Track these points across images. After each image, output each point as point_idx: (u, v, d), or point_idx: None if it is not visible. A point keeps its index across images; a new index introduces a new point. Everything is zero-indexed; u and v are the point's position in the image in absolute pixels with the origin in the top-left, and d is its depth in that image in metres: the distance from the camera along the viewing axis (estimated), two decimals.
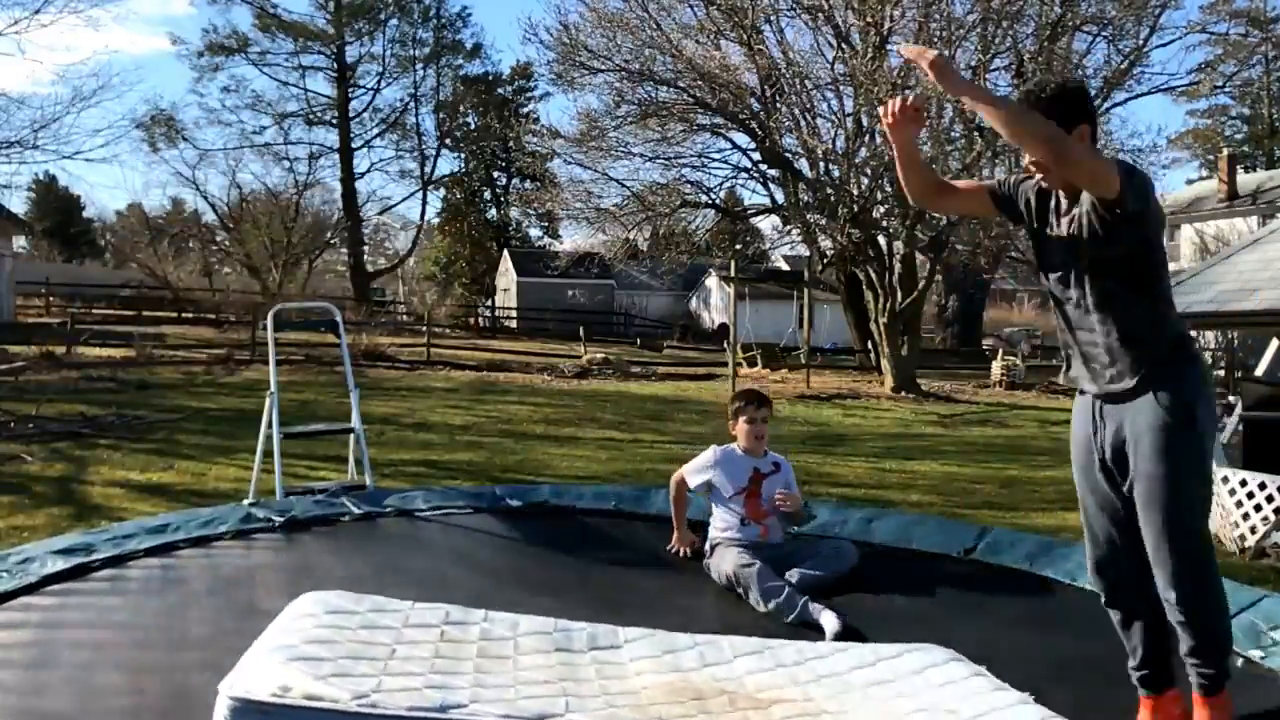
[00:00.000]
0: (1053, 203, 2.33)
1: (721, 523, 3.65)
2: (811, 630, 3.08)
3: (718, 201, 19.05)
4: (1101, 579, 2.43)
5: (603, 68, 16.36)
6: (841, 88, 16.44)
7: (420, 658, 2.31)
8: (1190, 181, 36.99)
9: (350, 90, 39.02)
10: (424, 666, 2.26)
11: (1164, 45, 33.09)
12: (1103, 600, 2.46)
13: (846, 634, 3.01)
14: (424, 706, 2.02)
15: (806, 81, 16.28)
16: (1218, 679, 2.28)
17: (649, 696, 2.26)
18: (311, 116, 38.58)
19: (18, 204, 35.04)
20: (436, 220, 43.29)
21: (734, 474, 3.73)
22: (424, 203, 42.27)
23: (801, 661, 2.55)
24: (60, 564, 3.36)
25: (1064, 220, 2.28)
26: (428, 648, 2.38)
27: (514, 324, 33.50)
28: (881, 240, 16.75)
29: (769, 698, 2.29)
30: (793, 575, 3.39)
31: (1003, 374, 18.44)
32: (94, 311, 25.03)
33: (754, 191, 43.21)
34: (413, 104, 40.16)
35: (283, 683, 2.06)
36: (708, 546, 3.66)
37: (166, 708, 2.37)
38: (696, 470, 3.77)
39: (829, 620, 3.10)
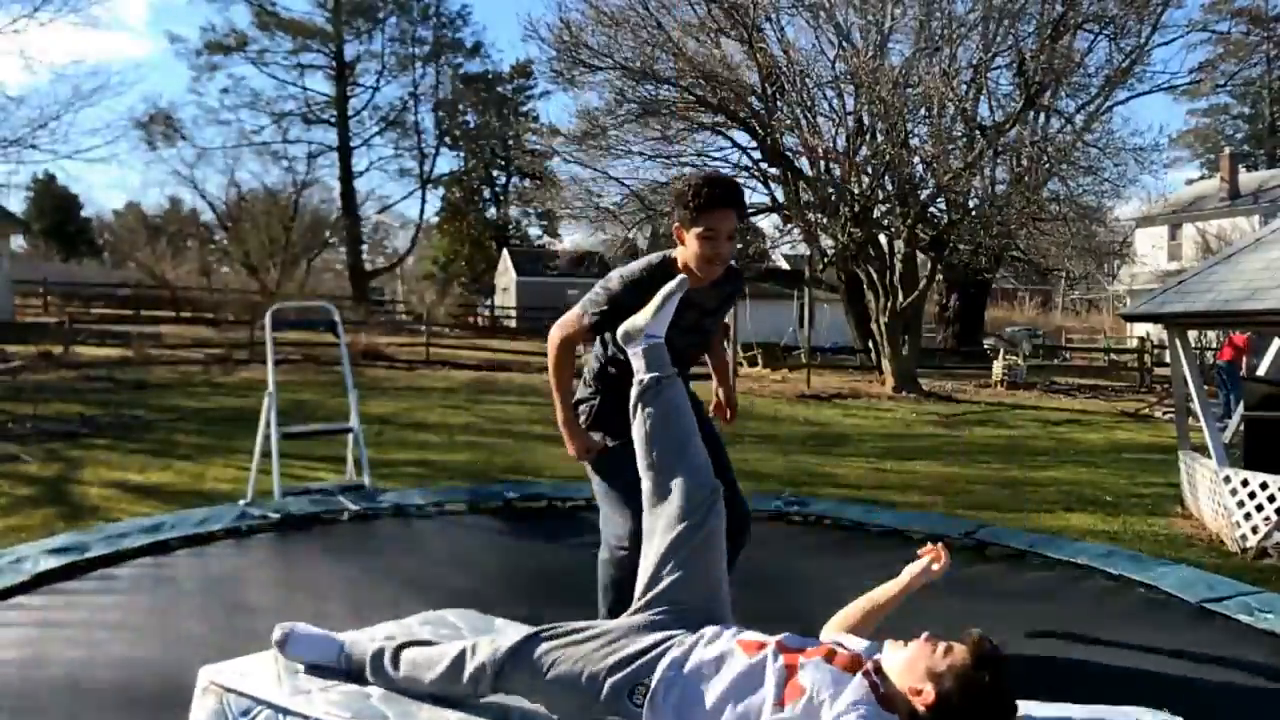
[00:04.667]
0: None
1: None
2: None
3: None
4: None
5: (603, 66, 16.32)
6: (843, 86, 16.42)
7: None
8: (1191, 181, 37.00)
9: (349, 89, 39.05)
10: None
11: (1165, 44, 33.12)
12: None
13: None
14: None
15: (807, 80, 16.25)
16: None
17: None
18: (310, 115, 38.63)
19: (16, 203, 35.10)
20: (436, 219, 43.33)
21: None
22: (423, 201, 42.58)
23: None
24: (54, 562, 3.35)
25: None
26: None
27: (513, 323, 33.46)
28: (882, 239, 16.72)
29: None
30: None
31: (1003, 374, 18.42)
32: (92, 311, 25.00)
33: (754, 190, 43.00)
34: (412, 102, 40.21)
35: (251, 673, 2.15)
36: None
37: (156, 708, 2.33)
38: None
39: None
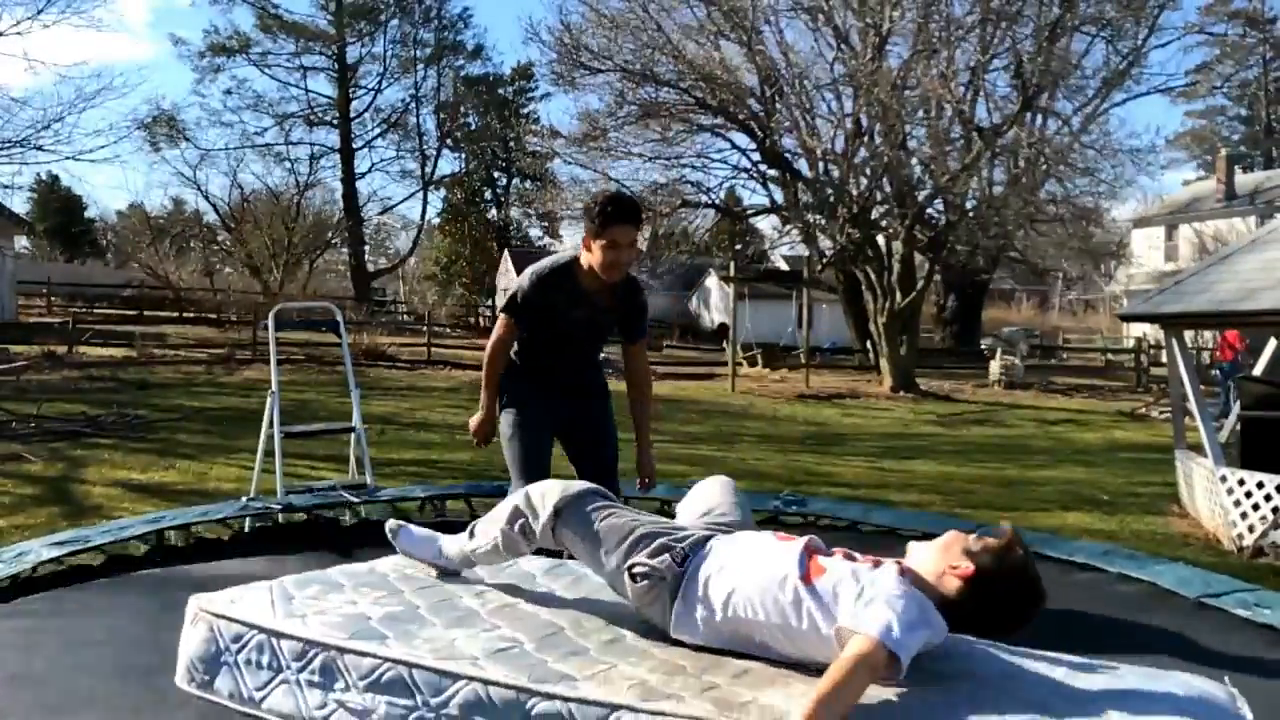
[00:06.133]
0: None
1: None
2: None
3: (718, 201, 19.08)
4: None
5: (603, 68, 16.37)
6: (841, 88, 16.49)
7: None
8: (1188, 182, 37.03)
9: (351, 91, 39.05)
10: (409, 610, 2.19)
11: (1162, 46, 33.26)
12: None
13: None
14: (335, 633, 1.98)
15: (806, 82, 16.31)
16: None
17: None
18: (313, 117, 38.64)
19: (20, 204, 35.09)
20: (437, 220, 43.32)
21: None
22: (425, 203, 42.37)
23: None
24: (53, 554, 3.36)
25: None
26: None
27: None
28: (880, 240, 16.77)
29: None
30: None
31: (1001, 374, 18.46)
32: (95, 311, 25.04)
33: (754, 191, 43.19)
34: (414, 104, 40.25)
35: (242, 600, 2.14)
36: None
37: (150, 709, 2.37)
38: None
39: None
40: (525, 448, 3.12)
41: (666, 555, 1.93)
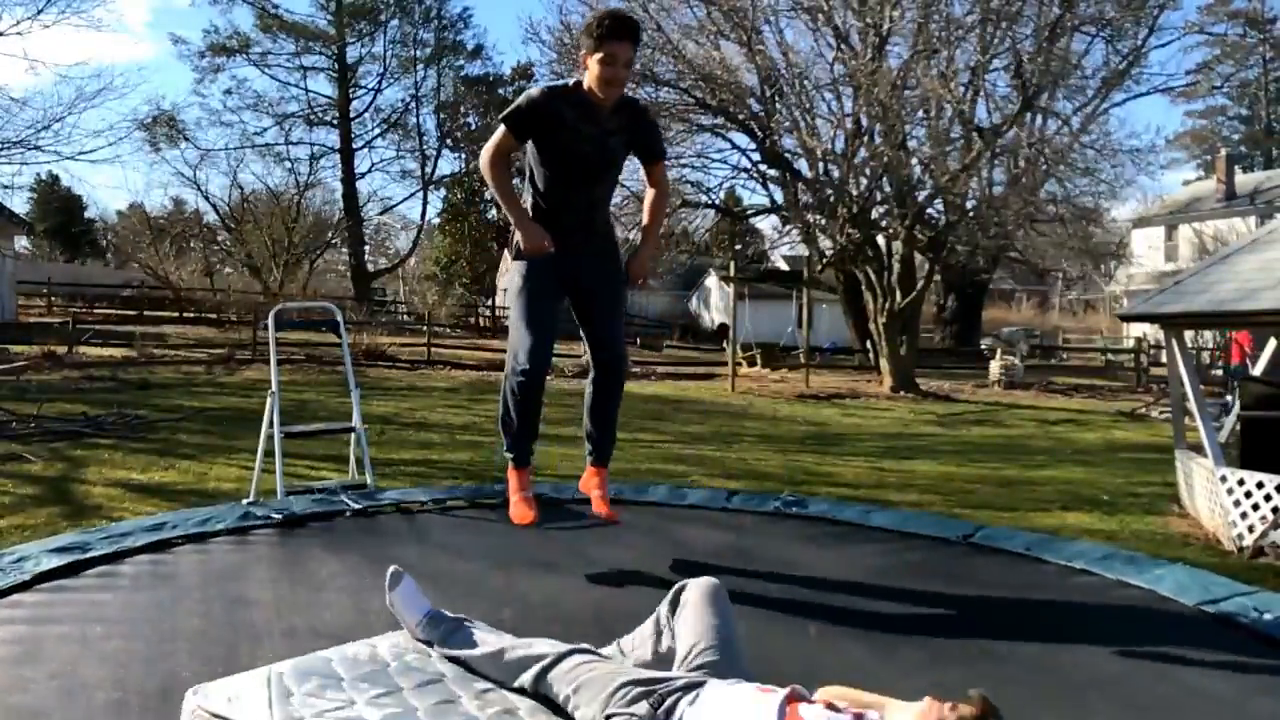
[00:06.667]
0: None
1: None
2: None
3: (718, 201, 19.09)
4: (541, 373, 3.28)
5: None
6: (841, 88, 16.49)
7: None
8: (1187, 182, 37.04)
9: (351, 91, 39.06)
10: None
11: (1162, 46, 33.32)
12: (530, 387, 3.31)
13: None
14: None
15: (806, 82, 16.31)
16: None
17: None
18: (312, 117, 38.65)
19: (20, 204, 35.10)
20: (437, 220, 43.33)
21: None
22: (425, 203, 42.38)
23: None
24: (55, 561, 3.35)
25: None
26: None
27: None
28: (880, 240, 16.78)
29: None
30: None
31: (1001, 374, 18.47)
32: (95, 311, 25.07)
33: (753, 191, 43.18)
34: (414, 104, 40.25)
35: (241, 697, 2.05)
36: None
37: (153, 706, 2.35)
38: None
39: None
40: (532, 302, 3.15)
41: (644, 702, 1.99)
